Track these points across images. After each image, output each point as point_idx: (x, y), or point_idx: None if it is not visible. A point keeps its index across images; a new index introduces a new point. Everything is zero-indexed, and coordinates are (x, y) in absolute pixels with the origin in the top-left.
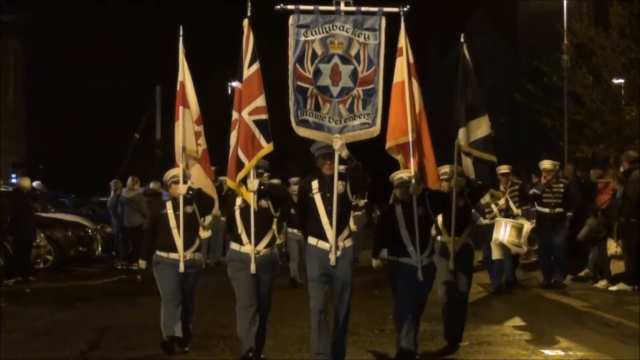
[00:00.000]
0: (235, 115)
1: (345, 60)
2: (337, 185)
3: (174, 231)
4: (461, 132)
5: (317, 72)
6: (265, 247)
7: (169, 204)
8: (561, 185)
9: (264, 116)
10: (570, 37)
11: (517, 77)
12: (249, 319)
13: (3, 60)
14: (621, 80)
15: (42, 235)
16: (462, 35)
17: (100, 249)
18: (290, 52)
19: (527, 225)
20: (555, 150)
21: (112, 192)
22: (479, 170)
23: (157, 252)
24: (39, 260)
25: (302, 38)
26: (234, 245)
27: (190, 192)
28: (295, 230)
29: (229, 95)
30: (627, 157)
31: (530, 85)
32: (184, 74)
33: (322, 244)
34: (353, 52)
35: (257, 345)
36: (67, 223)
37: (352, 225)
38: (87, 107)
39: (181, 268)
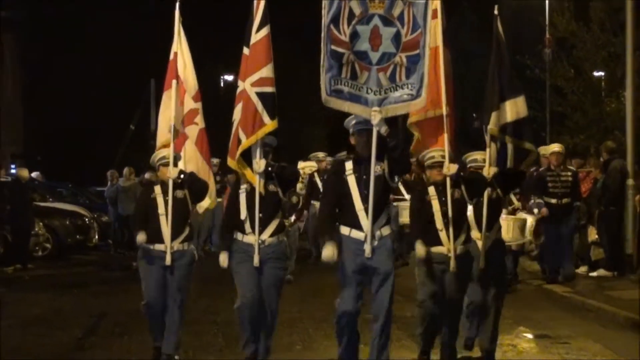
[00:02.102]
0: (241, 85)
1: (386, 21)
2: (375, 167)
3: (162, 218)
4: (493, 116)
5: (355, 35)
6: (271, 235)
7: (157, 188)
8: (569, 173)
9: (269, 89)
10: (552, 31)
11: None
12: (249, 321)
13: (0, 55)
14: (601, 73)
15: (41, 224)
16: (496, 7)
17: (97, 237)
18: (324, 12)
19: (531, 219)
20: (538, 141)
21: (109, 182)
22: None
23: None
24: (37, 248)
25: None
26: (236, 234)
27: (182, 176)
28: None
29: (222, 89)
30: (607, 147)
31: None
32: (180, 45)
33: (356, 234)
34: (396, 12)
35: (263, 356)
36: (65, 212)
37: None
38: (83, 100)
39: (167, 261)
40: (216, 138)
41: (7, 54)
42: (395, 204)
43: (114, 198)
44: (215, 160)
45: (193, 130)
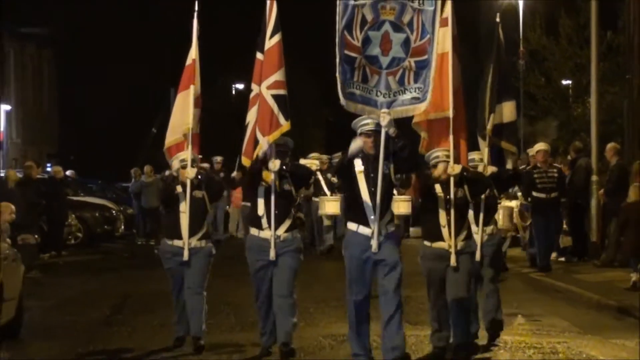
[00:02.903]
0: (255, 88)
1: (397, 27)
2: (382, 166)
3: (182, 216)
4: (491, 118)
5: (367, 40)
6: (286, 231)
7: (179, 188)
8: (555, 170)
9: (282, 91)
10: (525, 44)
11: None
12: (267, 315)
13: (38, 68)
14: (569, 82)
15: (73, 215)
16: (497, 14)
17: (122, 227)
18: (338, 18)
19: (514, 204)
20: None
21: (132, 179)
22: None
23: (164, 240)
24: (70, 237)
25: (352, 2)
26: (253, 230)
27: (200, 177)
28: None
29: (233, 96)
30: (574, 147)
31: None
32: (196, 52)
33: (363, 229)
34: (406, 19)
35: (286, 335)
36: (95, 205)
37: (336, 210)
38: (111, 107)
39: (185, 256)
40: (226, 139)
41: (44, 68)
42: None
43: (138, 193)
44: (219, 158)
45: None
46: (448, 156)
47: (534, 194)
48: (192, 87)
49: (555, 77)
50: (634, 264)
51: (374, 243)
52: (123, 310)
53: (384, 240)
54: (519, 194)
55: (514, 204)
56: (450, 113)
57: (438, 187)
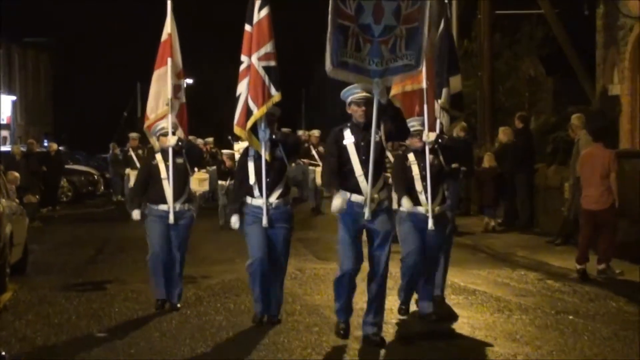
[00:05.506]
0: (245, 60)
1: None
2: (374, 134)
3: (164, 182)
4: (444, 92)
5: (359, 9)
6: (278, 198)
7: (158, 156)
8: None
9: (273, 62)
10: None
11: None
12: (259, 278)
13: (37, 67)
14: None
15: (65, 179)
16: None
17: (102, 188)
18: None
19: None
20: None
21: (110, 151)
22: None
23: (148, 204)
24: (62, 196)
25: None
26: (246, 198)
27: (180, 143)
28: (223, 182)
29: (185, 89)
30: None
31: None
32: (172, 28)
33: (356, 197)
34: None
35: (274, 306)
36: (81, 171)
37: (205, 187)
38: (92, 96)
39: (171, 219)
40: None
41: (41, 68)
42: (311, 168)
43: (114, 161)
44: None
45: (176, 104)
46: (423, 125)
47: None
48: (169, 60)
49: None
50: (488, 212)
51: (367, 211)
52: (104, 251)
53: (378, 209)
54: None
55: None
56: (424, 84)
57: (412, 156)
